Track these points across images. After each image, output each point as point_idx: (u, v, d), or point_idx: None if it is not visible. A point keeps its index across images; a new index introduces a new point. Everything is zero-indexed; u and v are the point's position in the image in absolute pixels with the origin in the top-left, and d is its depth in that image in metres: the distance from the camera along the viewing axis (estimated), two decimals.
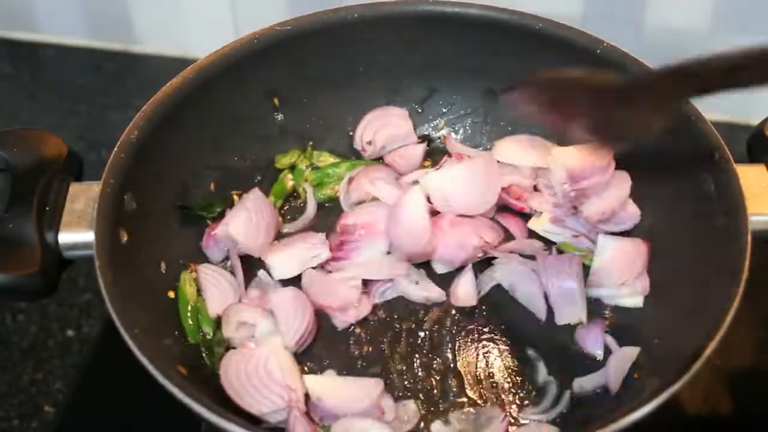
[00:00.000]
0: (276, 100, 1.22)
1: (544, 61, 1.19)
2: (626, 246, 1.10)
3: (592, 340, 1.05)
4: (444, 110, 1.28)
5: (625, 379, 1.01)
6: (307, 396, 0.99)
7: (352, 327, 1.08)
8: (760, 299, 1.21)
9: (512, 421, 1.00)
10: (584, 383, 1.02)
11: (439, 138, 1.28)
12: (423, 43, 1.23)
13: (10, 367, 1.31)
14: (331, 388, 0.98)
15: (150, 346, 0.91)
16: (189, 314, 1.05)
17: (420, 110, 1.28)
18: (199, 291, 1.08)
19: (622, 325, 1.08)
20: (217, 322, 1.06)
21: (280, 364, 1.00)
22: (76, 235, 1.00)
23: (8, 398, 1.27)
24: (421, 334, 1.08)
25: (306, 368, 1.04)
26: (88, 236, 0.97)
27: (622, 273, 1.08)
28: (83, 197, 1.02)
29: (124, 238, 1.00)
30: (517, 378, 1.04)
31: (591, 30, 1.15)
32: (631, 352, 1.02)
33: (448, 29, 1.20)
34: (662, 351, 1.00)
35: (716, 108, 1.45)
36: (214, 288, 1.08)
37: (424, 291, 1.10)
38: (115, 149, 1.03)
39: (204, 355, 1.03)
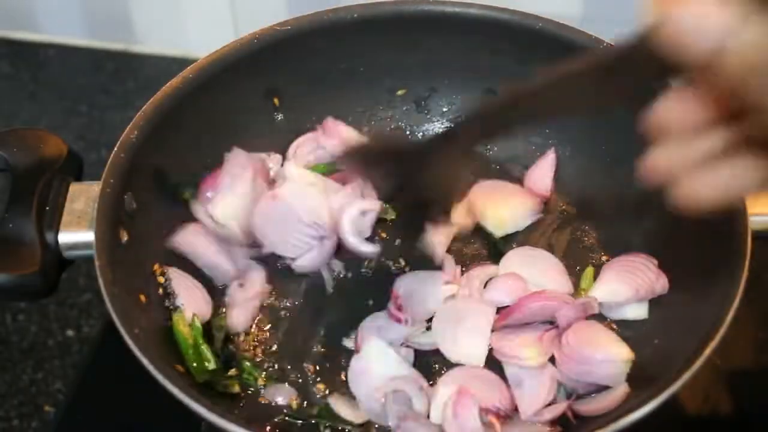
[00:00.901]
0: (276, 100, 1.22)
1: (544, 61, 1.19)
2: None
3: None
4: (444, 110, 1.28)
5: None
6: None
7: None
8: (760, 299, 1.22)
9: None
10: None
11: None
12: (423, 43, 1.23)
13: (10, 367, 1.31)
14: None
15: (150, 346, 0.91)
16: (191, 354, 1.00)
17: (420, 110, 1.28)
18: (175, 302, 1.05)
19: (622, 325, 1.08)
20: (207, 334, 1.03)
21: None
22: (76, 234, 1.00)
23: (8, 398, 1.27)
24: None
25: None
26: (88, 236, 0.97)
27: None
28: (83, 197, 1.02)
29: (124, 238, 1.00)
30: None
31: (591, 30, 1.15)
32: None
33: (448, 29, 1.20)
34: (662, 351, 1.00)
35: None
36: (185, 292, 1.05)
37: None
38: (115, 149, 1.03)
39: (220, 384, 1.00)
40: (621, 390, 0.98)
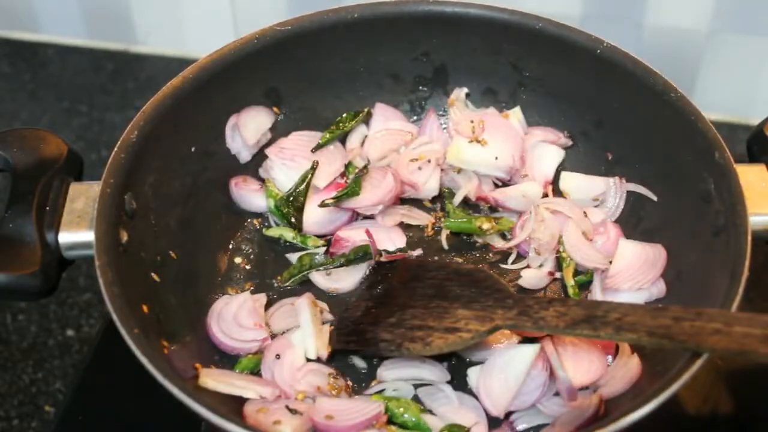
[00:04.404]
0: (276, 100, 1.22)
1: (543, 61, 1.20)
2: (646, 251, 1.09)
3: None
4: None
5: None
6: None
7: None
8: (760, 299, 1.22)
9: None
10: None
11: None
12: (423, 43, 1.23)
13: (10, 366, 1.31)
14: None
15: (150, 346, 0.91)
16: None
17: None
18: None
19: None
20: None
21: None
22: (76, 234, 1.00)
23: (8, 398, 1.27)
24: None
25: None
26: (88, 236, 0.97)
27: (640, 278, 1.07)
28: (83, 197, 1.02)
29: (124, 237, 1.00)
30: None
31: (591, 30, 1.15)
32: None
33: (448, 29, 1.20)
34: (662, 351, 1.00)
35: (716, 108, 1.46)
36: None
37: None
38: (115, 149, 1.03)
39: None
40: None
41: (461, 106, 1.24)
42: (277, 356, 1.04)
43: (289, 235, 1.17)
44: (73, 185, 1.04)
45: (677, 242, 1.08)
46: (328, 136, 1.21)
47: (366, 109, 1.24)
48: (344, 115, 1.24)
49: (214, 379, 0.98)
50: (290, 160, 1.19)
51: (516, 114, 1.22)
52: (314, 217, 1.17)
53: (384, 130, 1.24)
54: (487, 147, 1.19)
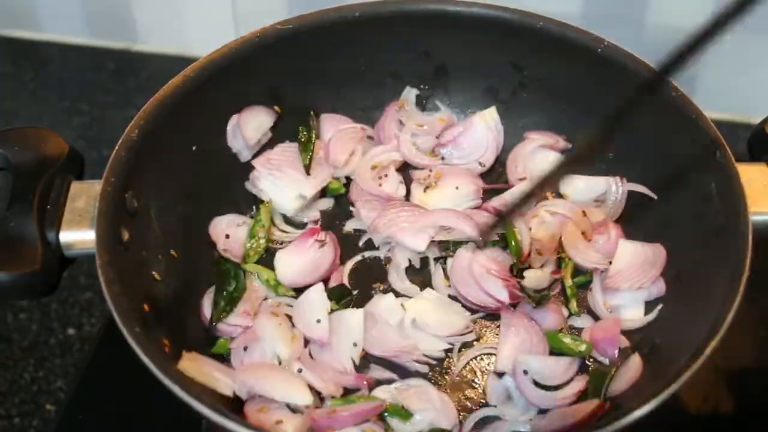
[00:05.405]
0: (277, 99, 1.22)
1: (544, 61, 1.20)
2: (646, 251, 1.09)
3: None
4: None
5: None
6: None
7: None
8: (761, 298, 1.22)
9: None
10: None
11: None
12: (423, 42, 1.23)
13: (11, 365, 1.31)
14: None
15: (151, 345, 0.91)
16: None
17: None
18: None
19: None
20: None
21: None
22: (77, 233, 1.00)
23: (9, 396, 1.27)
24: None
25: None
26: (89, 235, 0.98)
27: (640, 277, 1.08)
28: (84, 196, 1.02)
29: (125, 236, 1.00)
30: None
31: (591, 29, 1.15)
32: None
33: (449, 28, 1.21)
34: (663, 350, 1.00)
35: (717, 106, 1.45)
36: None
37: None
38: (116, 148, 1.03)
39: None
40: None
41: (412, 109, 1.25)
42: (245, 348, 1.05)
43: (264, 276, 1.13)
44: (74, 184, 1.04)
45: (677, 242, 1.08)
46: (306, 155, 1.21)
47: (310, 112, 1.24)
48: (300, 128, 1.23)
49: (193, 365, 0.98)
50: (277, 170, 1.19)
51: (491, 113, 1.23)
52: (291, 273, 1.14)
53: (335, 131, 1.23)
54: (444, 188, 1.20)
